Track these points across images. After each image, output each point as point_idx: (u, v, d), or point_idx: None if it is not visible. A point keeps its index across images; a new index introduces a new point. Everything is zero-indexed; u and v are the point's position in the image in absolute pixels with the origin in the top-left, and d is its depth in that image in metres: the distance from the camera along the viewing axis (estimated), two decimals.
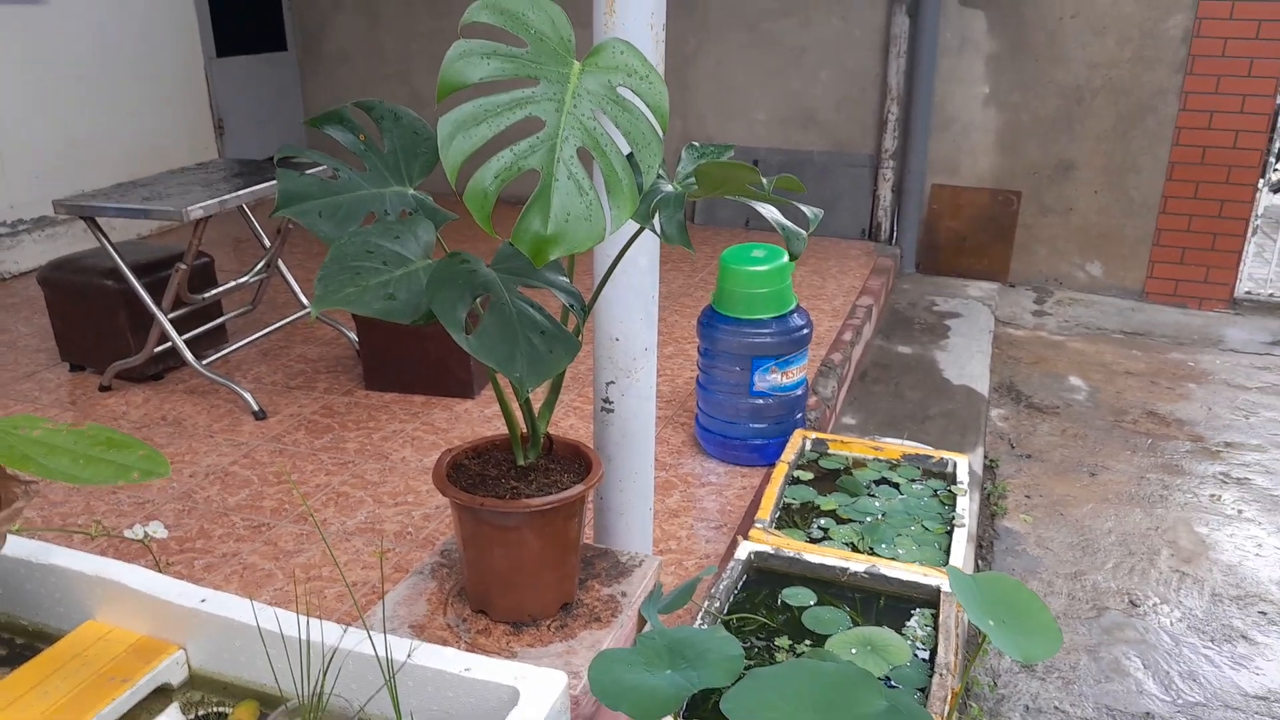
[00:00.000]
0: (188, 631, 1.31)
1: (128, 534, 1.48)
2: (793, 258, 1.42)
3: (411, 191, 1.54)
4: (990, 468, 3.37)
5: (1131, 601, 2.66)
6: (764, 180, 1.33)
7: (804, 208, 1.45)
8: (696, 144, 1.59)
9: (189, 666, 1.33)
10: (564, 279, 1.56)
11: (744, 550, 2.08)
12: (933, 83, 5.11)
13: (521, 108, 1.24)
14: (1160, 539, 2.95)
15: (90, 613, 1.37)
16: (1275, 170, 4.98)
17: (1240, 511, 3.09)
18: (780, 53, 5.41)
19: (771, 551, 2.08)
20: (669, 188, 1.47)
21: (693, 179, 1.44)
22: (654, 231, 1.45)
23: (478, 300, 1.41)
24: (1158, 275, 5.03)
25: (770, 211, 1.44)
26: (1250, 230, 4.84)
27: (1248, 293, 4.99)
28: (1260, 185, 4.76)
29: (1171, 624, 2.57)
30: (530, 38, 1.27)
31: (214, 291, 3.42)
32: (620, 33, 1.65)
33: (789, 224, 1.45)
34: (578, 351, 1.43)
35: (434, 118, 1.30)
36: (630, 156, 1.32)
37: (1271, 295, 4.97)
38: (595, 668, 1.34)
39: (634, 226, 1.56)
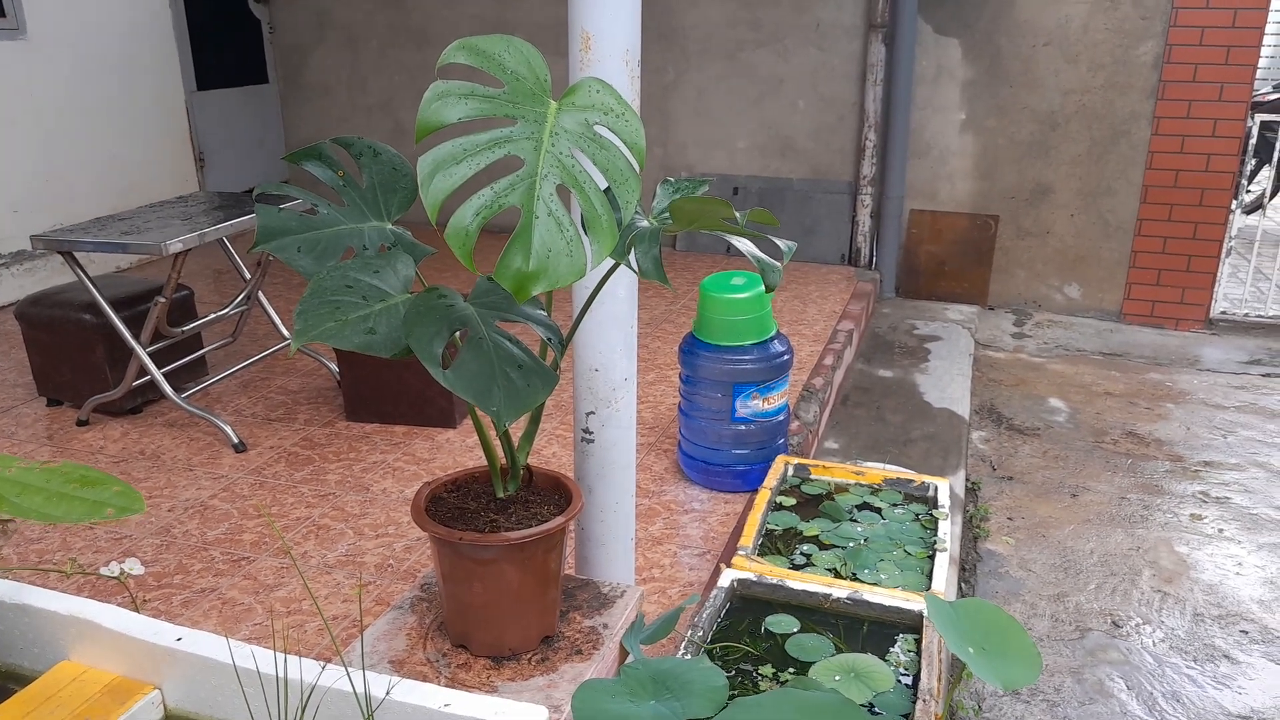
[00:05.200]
0: (163, 671, 1.30)
1: (104, 571, 1.47)
2: (768, 289, 1.44)
3: (390, 226, 1.55)
4: (972, 490, 3.39)
5: (1114, 622, 2.67)
6: (737, 215, 1.35)
7: (778, 241, 1.47)
8: (671, 179, 1.61)
9: (165, 707, 1.31)
10: (541, 313, 1.57)
11: (727, 578, 2.08)
12: (909, 110, 5.17)
13: (500, 146, 1.25)
14: (1141, 559, 2.96)
15: (65, 653, 1.36)
16: (1248, 192, 5.06)
17: (1220, 530, 3.11)
18: (759, 82, 5.48)
19: (754, 579, 2.08)
20: (644, 223, 1.49)
21: (668, 214, 1.45)
22: (630, 268, 1.46)
23: (456, 334, 1.41)
24: (1135, 297, 5.09)
25: (746, 245, 1.46)
26: (1224, 251, 4.91)
27: (1223, 313, 5.05)
28: (1233, 207, 4.84)
29: (1154, 644, 2.58)
30: (507, 78, 1.28)
31: (193, 325, 3.41)
32: (596, 69, 1.67)
33: (764, 257, 1.46)
34: (555, 385, 1.43)
35: (415, 156, 1.31)
36: (608, 192, 1.34)
37: (1247, 315, 5.03)
38: (579, 698, 1.34)
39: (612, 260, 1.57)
